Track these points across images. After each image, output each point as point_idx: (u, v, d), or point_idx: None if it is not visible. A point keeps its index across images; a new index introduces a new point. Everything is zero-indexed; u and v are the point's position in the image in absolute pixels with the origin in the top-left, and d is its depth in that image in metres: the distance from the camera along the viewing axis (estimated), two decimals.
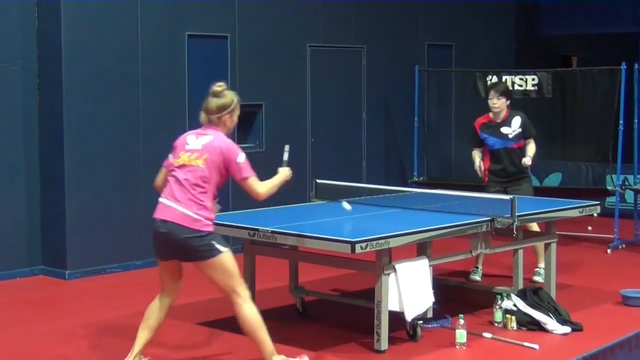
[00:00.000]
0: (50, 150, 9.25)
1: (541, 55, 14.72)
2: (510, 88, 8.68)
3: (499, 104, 8.62)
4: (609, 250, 10.54)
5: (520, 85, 11.54)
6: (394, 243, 6.30)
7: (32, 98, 9.28)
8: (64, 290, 8.77)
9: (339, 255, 6.57)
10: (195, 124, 9.92)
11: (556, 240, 7.98)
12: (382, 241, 6.21)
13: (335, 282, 8.66)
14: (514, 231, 7.08)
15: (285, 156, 6.50)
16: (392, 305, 6.47)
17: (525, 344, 6.67)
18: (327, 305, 7.82)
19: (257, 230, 6.62)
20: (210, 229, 5.73)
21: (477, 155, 8.82)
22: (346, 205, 7.28)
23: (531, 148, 8.63)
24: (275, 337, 6.82)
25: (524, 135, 8.64)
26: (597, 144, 11.36)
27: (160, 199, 5.81)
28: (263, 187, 5.96)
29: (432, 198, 8.28)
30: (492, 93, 8.71)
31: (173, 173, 5.82)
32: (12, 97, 9.14)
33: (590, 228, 11.19)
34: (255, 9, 10.66)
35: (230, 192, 10.43)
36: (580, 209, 8.10)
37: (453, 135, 13.03)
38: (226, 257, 5.75)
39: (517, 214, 7.00)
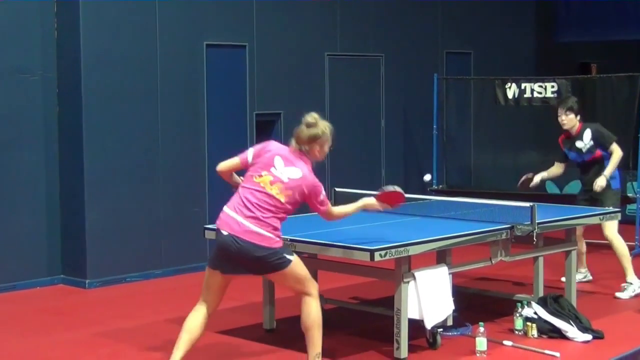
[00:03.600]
0: (70, 160, 9.29)
1: (560, 63, 14.68)
2: (574, 104, 8.72)
3: (567, 120, 8.69)
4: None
5: (540, 93, 11.51)
6: (413, 251, 6.29)
7: (52, 108, 9.33)
8: (84, 300, 8.79)
9: (358, 263, 6.57)
10: (213, 132, 10.05)
11: (576, 247, 7.95)
12: (402, 249, 6.20)
13: (355, 290, 8.64)
14: (534, 239, 7.05)
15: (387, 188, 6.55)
16: (412, 313, 6.45)
17: (546, 351, 6.64)
18: (346, 313, 7.80)
19: None
20: (281, 244, 5.87)
21: (549, 171, 8.97)
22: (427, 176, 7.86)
23: (611, 161, 8.62)
24: (295, 345, 6.85)
25: (599, 147, 8.65)
26: None
27: (229, 212, 5.85)
28: (334, 214, 6.23)
29: (452, 206, 8.26)
30: (559, 110, 8.77)
31: (251, 188, 5.87)
32: (32, 108, 9.19)
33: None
34: (274, 18, 10.68)
35: None
36: (601, 216, 8.07)
37: (472, 143, 13.01)
38: (296, 265, 5.89)
39: (537, 222, 6.97)
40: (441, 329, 6.78)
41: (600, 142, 8.64)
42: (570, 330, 7.02)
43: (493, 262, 7.15)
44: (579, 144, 8.70)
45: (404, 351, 6.44)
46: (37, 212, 9.26)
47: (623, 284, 8.66)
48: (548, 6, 15.01)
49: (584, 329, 7.07)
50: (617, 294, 8.58)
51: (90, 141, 9.17)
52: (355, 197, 8.27)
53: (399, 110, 12.32)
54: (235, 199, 5.90)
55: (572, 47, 15.29)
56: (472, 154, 13.01)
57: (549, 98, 11.44)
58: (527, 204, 7.12)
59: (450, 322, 6.84)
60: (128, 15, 9.42)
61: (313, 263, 7.36)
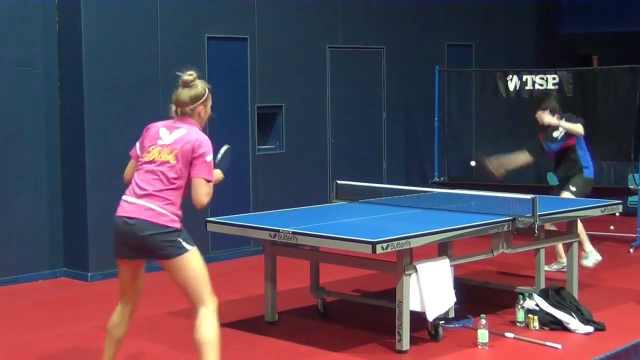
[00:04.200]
0: (71, 152, 9.30)
1: (562, 55, 14.66)
2: (554, 103, 9.16)
3: (547, 120, 9.11)
4: (631, 250, 10.49)
5: (541, 85, 11.50)
6: (415, 243, 6.30)
7: (54, 101, 9.33)
8: (87, 293, 8.81)
9: (360, 256, 6.58)
10: (215, 125, 10.04)
11: (578, 239, 7.96)
12: (403, 241, 6.21)
13: (357, 283, 8.65)
14: (536, 231, 7.06)
15: (218, 157, 5.73)
16: (414, 305, 6.46)
17: (548, 343, 6.65)
18: (348, 306, 7.82)
19: (278, 231, 6.63)
20: (177, 225, 5.26)
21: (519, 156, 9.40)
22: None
23: (569, 124, 9.06)
24: (297, 337, 6.87)
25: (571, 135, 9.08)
26: (619, 143, 11.30)
27: (125, 197, 5.40)
28: (208, 197, 5.31)
29: (453, 198, 8.27)
30: (539, 110, 9.23)
31: (140, 167, 5.41)
32: (33, 101, 9.20)
33: (612, 227, 11.14)
34: (275, 11, 10.67)
35: (250, 194, 10.47)
36: (602, 208, 8.08)
37: (473, 135, 13.00)
38: (192, 257, 5.26)
39: (538, 214, 6.98)
40: (443, 321, 6.79)
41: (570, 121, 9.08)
42: (572, 322, 7.03)
43: (495, 254, 7.16)
44: (555, 133, 9.11)
45: (405, 343, 6.45)
46: (39, 205, 9.27)
47: (583, 253, 8.90)
48: None
49: (585, 320, 7.08)
50: (583, 262, 8.90)
51: (91, 134, 9.18)
52: (356, 190, 8.33)
53: (400, 103, 12.31)
54: (130, 185, 5.45)
55: (573, 39, 15.27)
56: (473, 146, 12.99)
57: (550, 90, 11.42)
58: (529, 196, 7.12)
59: (452, 315, 6.86)
60: (129, 8, 9.42)
61: (315, 255, 7.38)
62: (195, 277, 5.26)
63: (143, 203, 5.27)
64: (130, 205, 5.33)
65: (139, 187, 5.34)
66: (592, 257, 9.04)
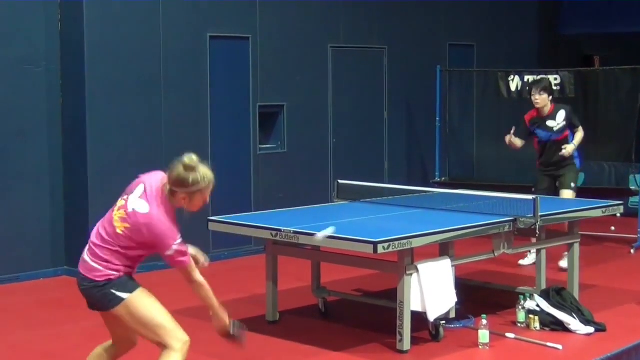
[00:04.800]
0: (73, 151, 9.30)
1: (563, 55, 14.67)
2: (548, 85, 9.27)
3: (540, 99, 9.15)
4: (632, 251, 10.49)
5: None
6: (416, 243, 6.30)
7: (56, 100, 9.34)
8: None
9: (361, 256, 6.58)
10: (217, 124, 10.05)
11: (579, 240, 7.96)
12: (405, 241, 6.21)
13: (358, 283, 8.66)
14: (537, 231, 7.06)
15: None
16: (415, 305, 6.46)
17: (549, 344, 6.66)
18: (349, 306, 7.82)
19: (280, 230, 6.64)
20: (112, 277, 4.89)
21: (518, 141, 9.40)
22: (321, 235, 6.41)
23: (577, 137, 9.21)
24: (298, 337, 6.87)
25: (569, 127, 9.18)
26: (620, 143, 11.31)
27: None
28: (198, 277, 4.97)
29: (455, 198, 8.28)
30: (533, 90, 9.25)
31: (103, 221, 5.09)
32: (35, 99, 9.20)
33: (613, 228, 11.15)
34: (277, 10, 10.68)
35: (252, 193, 10.48)
36: (603, 209, 8.08)
37: (475, 135, 13.00)
38: (131, 304, 4.89)
39: (540, 214, 6.99)
40: (444, 322, 6.80)
41: (573, 122, 9.20)
42: (573, 322, 7.04)
43: (496, 254, 7.16)
44: (550, 123, 9.17)
45: (406, 343, 6.46)
46: (40, 204, 9.28)
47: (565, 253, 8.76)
48: None
49: (586, 321, 7.09)
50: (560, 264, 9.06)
51: (93, 133, 9.18)
52: (358, 190, 8.34)
53: (402, 102, 12.32)
54: None
55: (575, 40, 15.27)
56: (475, 146, 13.00)
57: (552, 91, 11.42)
58: (530, 197, 7.13)
59: (453, 315, 6.85)
60: (132, 6, 9.42)
61: (316, 255, 7.39)
62: (140, 324, 4.92)
63: (84, 255, 5.06)
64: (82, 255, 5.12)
65: (93, 234, 5.09)
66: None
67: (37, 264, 9.25)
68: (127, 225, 4.90)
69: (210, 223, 7.29)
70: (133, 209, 4.90)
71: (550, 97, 9.21)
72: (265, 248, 7.45)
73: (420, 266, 6.48)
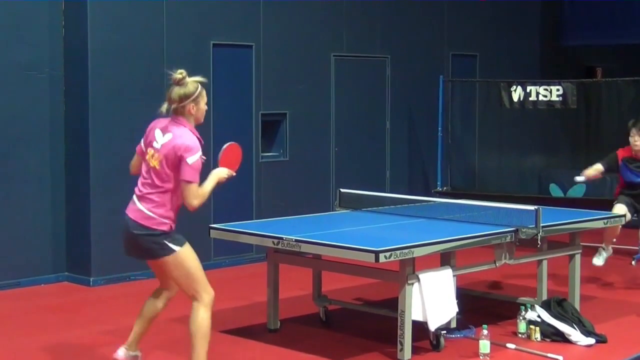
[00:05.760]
0: (76, 157, 9.31)
1: (565, 66, 14.68)
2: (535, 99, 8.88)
3: None
4: (633, 262, 10.49)
5: (545, 96, 11.51)
6: (418, 253, 6.31)
7: (59, 106, 9.35)
8: (89, 297, 8.82)
9: (362, 265, 6.58)
10: (219, 132, 10.07)
11: (580, 251, 7.96)
12: (406, 251, 6.21)
13: (359, 291, 8.66)
14: (538, 242, 7.06)
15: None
16: (416, 315, 6.46)
17: (549, 355, 6.65)
18: (350, 315, 7.82)
19: (282, 238, 6.64)
20: (165, 228, 5.57)
21: (595, 169, 9.01)
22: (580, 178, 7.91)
23: None
24: (298, 345, 6.87)
25: None
26: None
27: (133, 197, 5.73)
28: (198, 199, 5.55)
29: (456, 208, 8.28)
30: (633, 131, 8.89)
31: (142, 167, 5.73)
32: (38, 105, 9.22)
33: (614, 240, 11.12)
34: (280, 19, 10.70)
35: (254, 201, 10.48)
36: (605, 220, 8.09)
37: (477, 145, 13.02)
38: (180, 257, 5.60)
39: (541, 225, 6.99)
40: (445, 331, 6.80)
41: None
42: (574, 333, 7.03)
43: (497, 264, 7.16)
44: None
45: (407, 353, 6.45)
46: (42, 210, 9.28)
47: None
48: (554, 9, 15.01)
49: (587, 332, 7.09)
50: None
51: (96, 139, 9.20)
52: (359, 198, 8.34)
53: (404, 112, 12.33)
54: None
55: (577, 51, 15.30)
56: (476, 156, 13.02)
57: (554, 101, 11.45)
58: (532, 207, 7.13)
59: (453, 325, 6.86)
60: (135, 13, 9.44)
61: (317, 263, 7.39)
62: (183, 275, 5.62)
63: (137, 204, 5.63)
64: (131, 204, 5.70)
65: (137, 188, 5.68)
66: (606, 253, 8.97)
67: (38, 270, 9.25)
68: (161, 157, 5.54)
69: (211, 231, 7.29)
70: (161, 144, 5.58)
71: None
72: (266, 256, 7.45)
73: (421, 275, 6.48)
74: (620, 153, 9.07)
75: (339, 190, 8.35)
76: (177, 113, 5.65)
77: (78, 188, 9.30)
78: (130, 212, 5.64)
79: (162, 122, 5.73)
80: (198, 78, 5.70)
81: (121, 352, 6.05)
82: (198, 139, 5.63)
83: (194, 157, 5.51)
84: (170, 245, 5.58)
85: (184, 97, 5.60)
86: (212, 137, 10.02)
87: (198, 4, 9.93)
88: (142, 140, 5.82)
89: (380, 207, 8.40)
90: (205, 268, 5.86)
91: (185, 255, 5.62)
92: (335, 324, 7.62)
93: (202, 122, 5.79)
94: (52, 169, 9.34)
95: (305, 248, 6.54)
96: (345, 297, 8.21)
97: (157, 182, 5.57)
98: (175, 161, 5.52)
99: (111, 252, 9.28)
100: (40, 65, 9.20)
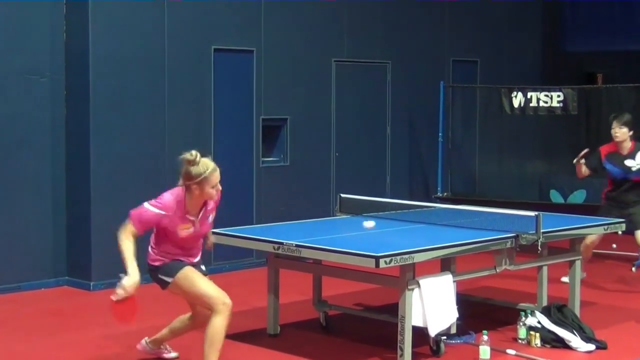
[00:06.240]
0: (76, 162, 9.32)
1: (566, 72, 14.68)
2: (629, 119, 8.95)
3: (620, 133, 8.93)
4: (633, 268, 10.49)
5: (546, 102, 11.52)
6: (418, 258, 6.31)
7: (60, 110, 9.36)
8: (89, 302, 8.82)
9: (363, 270, 6.57)
10: (220, 137, 10.08)
11: (580, 257, 7.96)
12: (407, 256, 6.21)
13: (359, 297, 8.66)
14: (539, 248, 7.06)
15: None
16: (416, 320, 6.46)
17: None
18: (350, 320, 7.82)
19: (282, 243, 6.64)
20: (157, 263, 6.11)
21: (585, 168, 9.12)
22: (368, 223, 7.40)
23: None
24: (299, 350, 6.87)
25: None
26: None
27: None
28: (122, 235, 6.10)
29: (456, 214, 8.28)
30: (614, 123, 9.00)
31: None
32: (39, 110, 9.23)
33: (614, 246, 11.14)
34: (281, 24, 10.70)
35: (254, 206, 10.49)
36: (605, 227, 8.09)
37: (477, 151, 13.03)
38: (180, 284, 6.06)
39: (542, 231, 6.99)
40: (445, 337, 6.80)
41: None
42: (574, 340, 7.03)
43: (497, 270, 7.16)
44: (629, 162, 8.95)
45: (407, 358, 6.45)
46: (43, 214, 9.29)
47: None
48: (555, 15, 15.02)
49: (587, 338, 7.09)
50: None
51: (97, 144, 9.20)
52: (359, 204, 8.34)
53: (404, 117, 12.33)
54: None
55: (578, 57, 15.29)
56: (477, 162, 13.02)
57: (555, 107, 11.46)
58: (532, 213, 7.13)
59: (454, 330, 6.86)
60: (137, 18, 9.45)
61: (318, 269, 7.39)
62: (191, 295, 6.13)
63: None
64: None
65: None
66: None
67: (39, 273, 9.25)
68: None
69: (212, 235, 7.28)
70: None
71: (631, 133, 8.97)
72: (266, 261, 7.46)
73: (421, 281, 6.48)
74: (604, 150, 9.13)
75: (340, 196, 8.36)
76: (184, 188, 6.00)
77: (79, 192, 9.30)
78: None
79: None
80: (209, 162, 5.93)
81: (143, 342, 6.70)
82: (183, 215, 5.98)
83: (151, 205, 5.99)
84: (164, 278, 6.10)
85: (188, 178, 5.91)
86: (212, 141, 10.04)
87: (199, 9, 9.94)
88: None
89: (380, 213, 8.40)
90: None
91: (181, 280, 6.04)
92: (336, 329, 7.62)
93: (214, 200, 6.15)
94: (53, 173, 9.34)
95: (305, 253, 6.54)
96: (346, 303, 8.21)
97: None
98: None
99: (111, 257, 9.22)
100: (41, 69, 9.21)
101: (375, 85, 11.98)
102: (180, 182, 5.97)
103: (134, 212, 6.01)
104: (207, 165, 5.89)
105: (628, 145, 8.96)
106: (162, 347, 6.69)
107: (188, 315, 6.45)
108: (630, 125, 8.97)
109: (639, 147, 8.98)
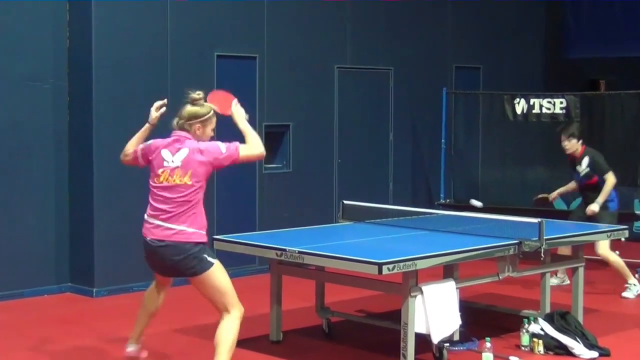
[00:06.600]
0: (79, 168, 9.33)
1: (569, 79, 14.68)
2: (575, 130, 9.23)
3: (569, 145, 9.20)
4: (637, 275, 10.45)
5: (548, 109, 11.52)
6: (421, 265, 6.30)
7: (63, 116, 9.37)
8: (92, 308, 8.81)
9: (365, 277, 6.57)
10: (222, 141, 10.06)
11: (584, 264, 7.95)
12: (409, 263, 6.21)
13: (362, 303, 8.65)
14: (542, 254, 7.05)
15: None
16: (419, 327, 6.45)
17: None
18: (353, 326, 7.81)
19: (285, 250, 6.64)
20: (204, 239, 5.82)
21: (567, 186, 9.64)
22: (476, 202, 7.93)
23: (605, 188, 9.08)
24: (301, 357, 6.86)
25: (595, 174, 9.15)
26: (625, 168, 11.29)
27: (148, 219, 5.94)
28: (257, 145, 6.13)
29: (459, 220, 8.27)
30: (562, 137, 9.24)
31: (155, 191, 5.90)
32: (43, 116, 9.24)
33: (618, 252, 11.11)
34: (284, 30, 10.72)
35: (257, 212, 10.49)
36: (608, 233, 8.08)
37: (480, 158, 13.03)
38: (216, 269, 5.82)
39: (545, 238, 6.98)
40: (448, 344, 6.79)
41: (596, 171, 9.15)
42: (577, 347, 7.02)
43: (500, 277, 7.15)
44: (578, 167, 9.24)
45: None
46: (45, 220, 9.29)
47: (626, 284, 9.25)
48: (557, 22, 15.02)
49: (590, 345, 7.07)
50: (624, 294, 9.19)
51: (100, 149, 9.21)
52: (362, 210, 8.34)
53: (407, 124, 12.34)
54: (149, 206, 5.95)
55: (581, 64, 15.28)
56: (480, 168, 13.02)
57: (558, 114, 11.45)
58: (535, 220, 7.12)
59: (456, 337, 6.86)
60: (140, 25, 9.47)
61: (320, 275, 7.39)
62: (218, 287, 5.81)
63: (170, 225, 5.76)
64: (157, 228, 5.83)
65: (162, 211, 5.80)
66: (636, 289, 9.31)
67: (42, 280, 9.25)
68: (189, 171, 5.75)
69: (214, 242, 7.29)
70: (181, 160, 5.79)
71: (580, 141, 9.19)
72: (269, 267, 7.45)
73: (424, 288, 6.47)
74: (568, 160, 9.42)
75: (342, 202, 8.36)
76: (183, 129, 5.90)
77: (82, 198, 9.31)
78: (162, 235, 5.78)
79: (163, 142, 5.98)
80: (214, 106, 6.02)
81: (131, 347, 6.29)
82: None
83: (222, 145, 5.84)
84: (208, 258, 5.79)
85: (194, 116, 5.89)
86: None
87: (202, 15, 9.95)
88: (139, 153, 6.13)
89: (383, 219, 8.40)
90: None
91: (219, 268, 5.84)
92: (338, 336, 7.62)
93: None
94: (56, 179, 9.35)
95: (308, 260, 6.54)
96: (348, 309, 8.21)
97: (191, 198, 5.76)
98: (208, 167, 5.81)
99: (114, 263, 9.29)
100: (44, 75, 9.23)
101: (378, 92, 11.99)
102: (182, 122, 5.91)
103: (228, 149, 5.91)
104: (210, 106, 5.99)
105: (578, 151, 9.22)
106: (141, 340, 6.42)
107: (155, 289, 6.34)
108: (577, 135, 9.21)
109: (586, 153, 9.23)
